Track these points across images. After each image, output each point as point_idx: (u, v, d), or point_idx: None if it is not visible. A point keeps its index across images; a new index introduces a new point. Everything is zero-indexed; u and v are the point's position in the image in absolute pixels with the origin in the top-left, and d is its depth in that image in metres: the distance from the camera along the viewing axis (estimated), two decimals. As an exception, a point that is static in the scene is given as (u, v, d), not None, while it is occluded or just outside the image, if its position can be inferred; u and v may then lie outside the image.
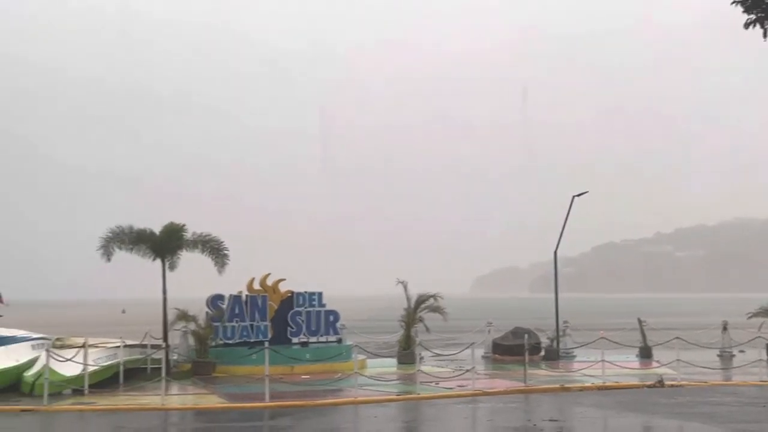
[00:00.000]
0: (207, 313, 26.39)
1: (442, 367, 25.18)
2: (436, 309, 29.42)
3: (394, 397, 20.30)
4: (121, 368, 23.10)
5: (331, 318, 28.04)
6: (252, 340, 26.35)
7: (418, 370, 21.68)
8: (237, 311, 26.72)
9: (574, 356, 29.61)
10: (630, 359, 28.02)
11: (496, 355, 29.80)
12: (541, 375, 24.50)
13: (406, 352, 28.20)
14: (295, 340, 27.27)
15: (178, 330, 26.37)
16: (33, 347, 22.59)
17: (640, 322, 31.51)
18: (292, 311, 27.48)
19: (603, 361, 23.68)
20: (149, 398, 19.76)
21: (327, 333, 27.88)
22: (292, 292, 27.85)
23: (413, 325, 29.13)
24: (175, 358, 25.91)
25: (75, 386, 20.54)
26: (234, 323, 26.60)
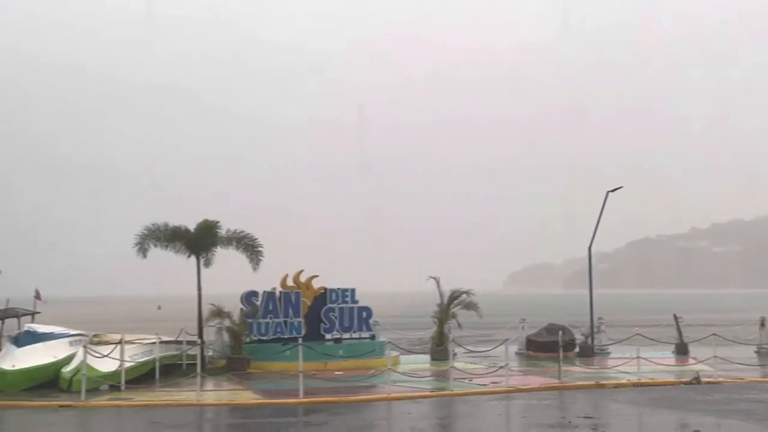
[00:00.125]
0: (241, 309, 26.58)
1: (476, 364, 25.12)
2: (469, 305, 29.35)
3: (428, 393, 20.31)
4: (157, 364, 23.29)
5: (364, 314, 28.08)
6: (286, 337, 26.47)
7: (452, 367, 21.66)
8: (271, 308, 26.87)
9: (609, 353, 29.39)
10: (666, 356, 27.80)
11: (530, 352, 29.68)
12: (576, 372, 24.34)
13: (439, 349, 28.17)
14: (328, 336, 27.35)
15: (213, 326, 26.59)
16: (70, 344, 22.87)
17: (675, 318, 31.20)
18: (325, 308, 27.57)
19: (638, 357, 23.50)
20: (185, 394, 19.95)
21: (360, 329, 27.92)
22: (325, 289, 27.94)
23: (446, 322, 29.11)
24: (210, 354, 26.13)
25: (112, 382, 20.80)
26: (268, 319, 26.75)
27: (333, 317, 27.56)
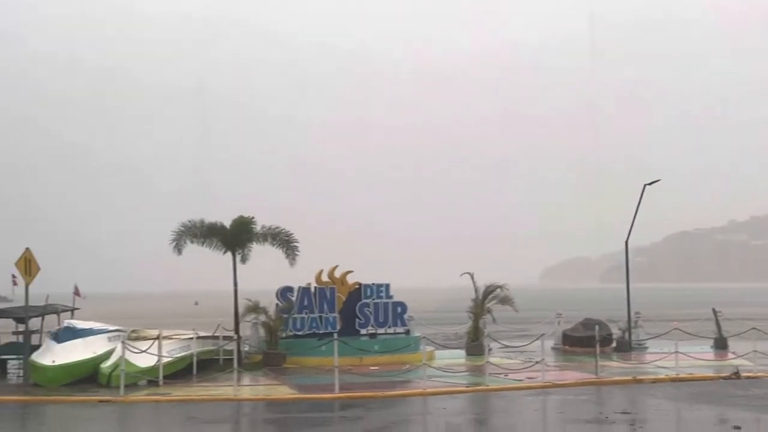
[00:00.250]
0: (277, 305, 26.70)
1: (511, 359, 24.99)
2: (504, 300, 29.23)
3: (463, 388, 20.25)
4: (195, 359, 23.53)
5: (399, 309, 28.07)
6: (321, 332, 26.56)
7: (487, 362, 21.60)
8: (306, 303, 26.99)
9: (647, 348, 29.08)
10: (704, 350, 27.44)
11: (566, 347, 29.47)
12: (613, 367, 24.15)
13: (475, 344, 28.09)
14: (363, 331, 27.39)
15: (249, 322, 26.76)
16: (109, 339, 23.12)
17: (714, 312, 30.80)
18: (360, 303, 27.61)
19: (676, 352, 23.22)
20: (222, 389, 20.10)
21: (395, 324, 27.92)
22: (360, 284, 27.98)
23: (481, 317, 29.01)
24: (246, 349, 26.33)
25: (150, 377, 21.00)
26: (303, 315, 26.87)
27: (368, 312, 27.60)
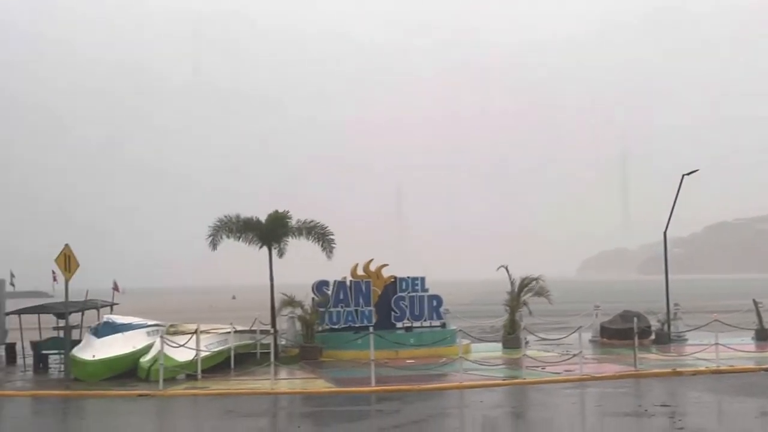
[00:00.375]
0: (313, 298, 26.80)
1: (549, 352, 24.81)
2: (540, 292, 29.04)
3: (500, 381, 20.15)
4: (232, 353, 23.68)
5: (435, 303, 28.01)
6: (357, 325, 26.61)
7: (524, 355, 21.45)
8: (342, 297, 27.04)
9: (686, 340, 28.72)
10: (745, 342, 27.06)
11: (604, 339, 29.20)
12: (652, 359, 23.87)
13: (511, 337, 27.95)
14: (399, 324, 27.39)
15: (286, 316, 26.88)
16: (148, 334, 23.38)
17: (755, 303, 30.37)
18: (395, 296, 27.61)
19: (717, 344, 22.90)
20: (259, 383, 20.22)
21: (431, 318, 27.87)
22: (395, 278, 27.96)
23: (517, 309, 28.86)
24: (283, 343, 26.45)
25: (188, 371, 21.19)
26: (339, 308, 26.93)
27: (403, 306, 27.58)
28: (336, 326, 26.81)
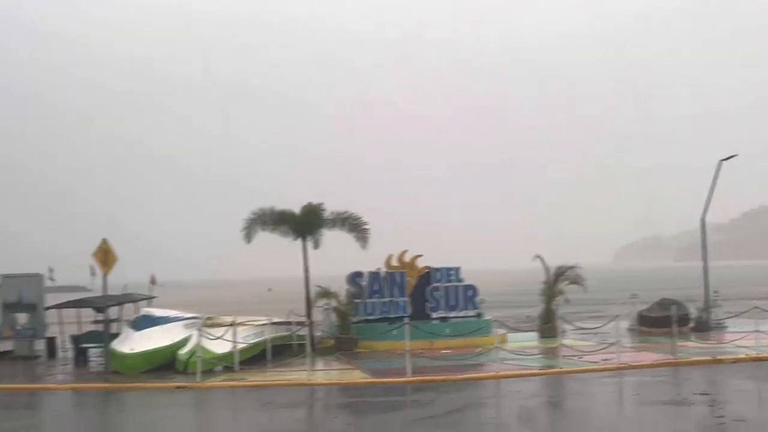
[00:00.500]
0: (347, 290, 26.85)
1: (585, 341, 24.59)
2: (576, 280, 28.82)
3: (537, 371, 20.05)
4: (269, 345, 23.80)
5: (470, 293, 27.92)
6: (392, 316, 26.61)
7: (561, 344, 21.32)
8: (376, 288, 27.06)
9: (726, 327, 28.33)
10: (787, 329, 26.61)
11: (642, 328, 28.88)
12: (691, 347, 23.59)
13: (547, 326, 27.79)
14: (434, 315, 27.34)
15: (321, 307, 26.97)
16: (185, 326, 23.56)
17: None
18: (430, 286, 27.57)
19: (757, 331, 22.57)
20: (296, 374, 20.28)
21: (466, 308, 27.77)
22: (430, 268, 27.91)
23: (553, 299, 28.67)
24: (318, 334, 26.55)
25: (226, 363, 21.33)
26: (374, 299, 26.96)
27: (438, 296, 27.53)
28: (371, 317, 26.84)
